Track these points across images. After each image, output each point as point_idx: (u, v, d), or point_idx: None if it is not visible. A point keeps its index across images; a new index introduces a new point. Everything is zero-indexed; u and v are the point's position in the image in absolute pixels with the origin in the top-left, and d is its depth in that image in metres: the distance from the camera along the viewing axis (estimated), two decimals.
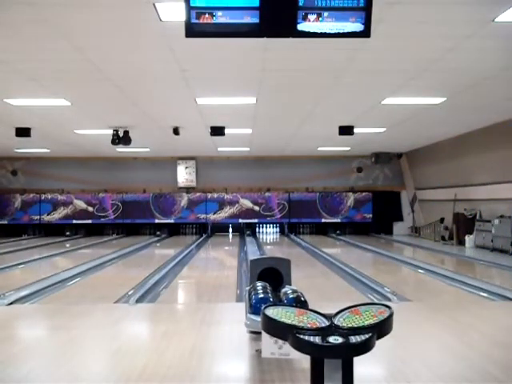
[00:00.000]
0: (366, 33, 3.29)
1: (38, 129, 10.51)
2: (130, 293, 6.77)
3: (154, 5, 4.22)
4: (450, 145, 13.05)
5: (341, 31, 3.28)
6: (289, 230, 17.22)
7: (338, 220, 17.22)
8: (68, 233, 16.79)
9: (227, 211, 17.10)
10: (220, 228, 17.50)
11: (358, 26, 3.26)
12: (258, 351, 3.09)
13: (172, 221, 17.11)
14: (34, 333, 5.17)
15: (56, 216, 16.96)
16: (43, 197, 16.87)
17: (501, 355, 3.97)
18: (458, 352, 3.96)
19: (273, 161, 16.82)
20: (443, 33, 5.02)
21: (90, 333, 4.92)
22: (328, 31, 3.27)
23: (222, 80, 6.91)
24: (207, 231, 17.19)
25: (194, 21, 3.20)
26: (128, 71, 6.48)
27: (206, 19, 3.19)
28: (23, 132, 10.44)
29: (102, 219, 17.07)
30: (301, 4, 3.19)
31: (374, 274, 8.30)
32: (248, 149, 14.87)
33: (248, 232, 16.91)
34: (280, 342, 3.30)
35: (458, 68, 6.27)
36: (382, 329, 1.72)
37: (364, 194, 17.14)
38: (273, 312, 1.79)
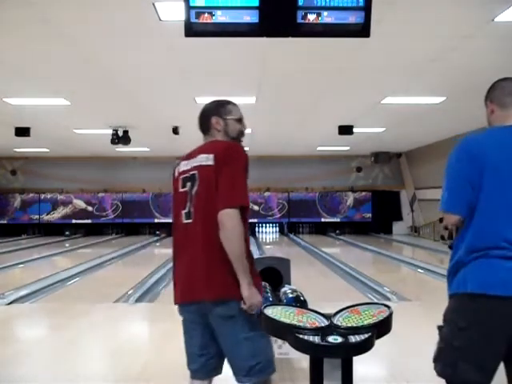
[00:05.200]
0: (365, 32, 3.29)
1: (37, 128, 10.51)
2: (129, 292, 6.78)
3: (153, 4, 4.22)
4: (449, 144, 12.98)
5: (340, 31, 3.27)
6: (288, 229, 17.22)
7: (338, 220, 17.22)
8: (67, 232, 16.78)
9: None
10: None
11: (357, 26, 3.26)
12: None
13: (171, 220, 17.06)
14: (34, 332, 5.17)
15: (55, 216, 16.96)
16: (43, 196, 16.87)
17: None
18: None
19: (272, 160, 16.81)
20: (443, 33, 5.02)
21: (90, 332, 4.92)
22: (327, 31, 3.26)
23: (222, 79, 6.91)
24: None
25: (193, 20, 3.19)
26: (127, 71, 6.48)
27: (205, 19, 3.19)
28: (22, 131, 10.44)
29: (102, 219, 17.07)
30: (300, 3, 3.19)
31: (373, 274, 8.30)
32: (247, 148, 14.82)
33: None
34: (279, 341, 3.30)
35: (458, 68, 6.27)
36: (381, 328, 1.72)
37: (363, 193, 17.14)
38: (272, 312, 1.79)
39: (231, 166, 2.18)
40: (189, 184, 2.27)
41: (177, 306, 2.35)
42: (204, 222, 2.19)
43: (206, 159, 2.23)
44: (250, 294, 2.10)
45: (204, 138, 2.47)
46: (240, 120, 2.43)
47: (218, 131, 2.40)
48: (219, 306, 2.16)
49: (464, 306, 2.01)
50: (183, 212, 2.28)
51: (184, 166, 2.35)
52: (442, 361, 2.07)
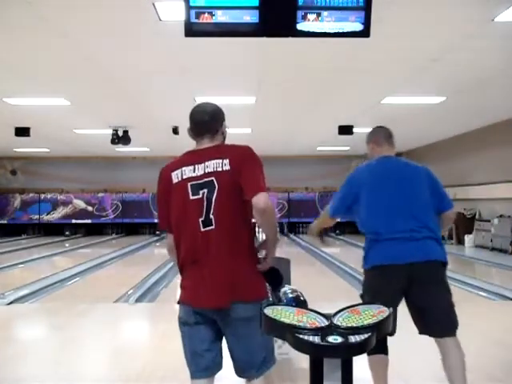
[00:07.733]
0: (365, 32, 3.29)
1: (37, 128, 10.51)
2: (129, 292, 6.78)
3: (153, 4, 4.22)
4: (448, 144, 13.03)
5: (340, 31, 3.28)
6: (288, 229, 17.20)
7: (338, 219, 17.18)
8: (67, 232, 16.78)
9: None
10: None
11: (357, 26, 3.26)
12: None
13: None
14: (34, 332, 5.17)
15: (55, 215, 16.96)
16: (43, 196, 16.87)
17: (500, 354, 3.98)
18: None
19: (272, 160, 16.74)
20: (443, 33, 5.02)
21: (90, 332, 4.92)
22: (327, 31, 3.27)
23: (222, 79, 6.91)
24: None
25: (193, 20, 3.20)
26: (127, 71, 6.48)
27: (205, 19, 3.19)
28: (23, 131, 10.44)
29: (102, 219, 17.07)
30: (300, 3, 3.19)
31: None
32: None
33: None
34: (279, 341, 3.30)
35: (458, 68, 6.28)
36: (381, 328, 1.72)
37: None
38: (272, 311, 1.78)
39: (251, 163, 2.21)
40: (204, 191, 2.20)
41: (184, 307, 2.27)
42: (229, 228, 2.23)
43: (222, 165, 2.20)
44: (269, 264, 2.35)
45: (202, 140, 2.34)
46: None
47: (222, 136, 2.37)
48: (241, 309, 2.15)
49: (372, 275, 2.83)
50: (200, 220, 2.21)
51: (190, 171, 2.26)
52: None
